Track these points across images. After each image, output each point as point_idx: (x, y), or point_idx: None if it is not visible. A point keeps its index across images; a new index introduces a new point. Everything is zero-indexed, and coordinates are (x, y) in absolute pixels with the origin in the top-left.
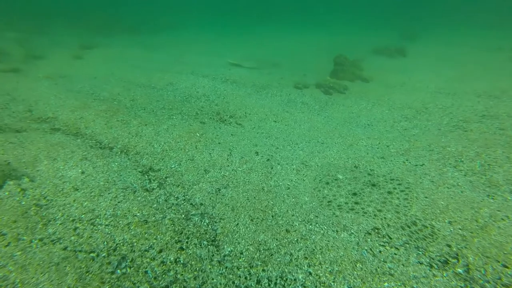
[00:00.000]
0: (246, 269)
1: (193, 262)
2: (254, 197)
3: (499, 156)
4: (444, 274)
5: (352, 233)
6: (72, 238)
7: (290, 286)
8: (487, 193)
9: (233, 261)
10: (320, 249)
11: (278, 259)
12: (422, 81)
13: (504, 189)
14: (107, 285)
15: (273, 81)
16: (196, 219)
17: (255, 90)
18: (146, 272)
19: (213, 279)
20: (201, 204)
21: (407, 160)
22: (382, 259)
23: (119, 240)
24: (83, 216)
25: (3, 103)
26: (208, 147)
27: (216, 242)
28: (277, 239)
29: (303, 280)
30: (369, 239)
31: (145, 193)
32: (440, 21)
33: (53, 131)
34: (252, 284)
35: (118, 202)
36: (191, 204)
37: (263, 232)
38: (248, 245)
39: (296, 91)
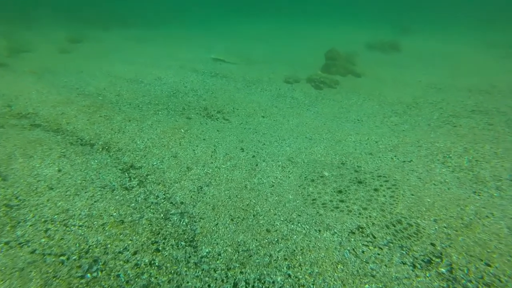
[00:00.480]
0: (223, 272)
1: (168, 265)
2: (236, 196)
3: (487, 151)
4: (427, 274)
5: (335, 232)
6: (42, 240)
7: None
8: (473, 190)
9: (210, 263)
10: (301, 249)
11: (257, 260)
12: (414, 76)
13: (490, 185)
14: None
15: (263, 75)
16: (175, 218)
17: (245, 84)
18: (118, 275)
19: (188, 282)
20: (182, 203)
21: (395, 156)
22: (364, 260)
23: (92, 242)
24: (56, 216)
25: None
26: (192, 144)
27: (194, 243)
28: (257, 240)
29: (282, 283)
30: (352, 239)
31: (123, 192)
32: (435, 17)
33: (33, 127)
34: (229, 287)
35: (95, 202)
36: (171, 203)
37: (243, 232)
38: (226, 246)
39: (287, 86)
